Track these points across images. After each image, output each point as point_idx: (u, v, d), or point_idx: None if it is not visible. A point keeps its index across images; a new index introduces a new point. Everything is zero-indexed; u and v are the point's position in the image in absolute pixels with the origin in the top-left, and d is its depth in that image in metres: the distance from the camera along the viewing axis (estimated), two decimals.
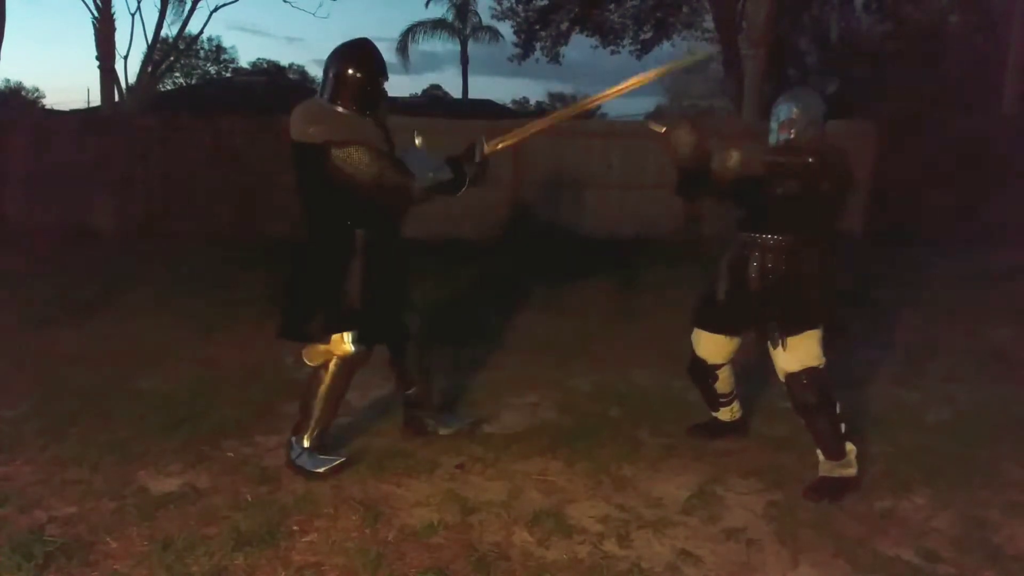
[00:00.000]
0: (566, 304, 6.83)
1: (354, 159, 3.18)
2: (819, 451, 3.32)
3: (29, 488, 3.14)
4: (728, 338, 3.64)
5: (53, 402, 4.11)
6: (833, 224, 3.46)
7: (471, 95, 28.38)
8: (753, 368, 5.06)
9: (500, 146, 3.43)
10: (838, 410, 3.29)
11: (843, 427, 3.29)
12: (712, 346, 3.66)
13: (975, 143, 10.31)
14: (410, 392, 3.84)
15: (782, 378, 3.36)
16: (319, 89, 3.45)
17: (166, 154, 11.07)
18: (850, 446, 3.30)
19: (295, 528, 2.87)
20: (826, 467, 3.30)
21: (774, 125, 3.41)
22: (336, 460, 3.39)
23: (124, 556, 2.67)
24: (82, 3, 13.53)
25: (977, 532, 2.95)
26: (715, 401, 3.84)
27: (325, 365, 3.36)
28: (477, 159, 3.39)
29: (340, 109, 3.31)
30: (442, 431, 3.79)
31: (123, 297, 6.76)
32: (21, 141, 10.86)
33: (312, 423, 3.39)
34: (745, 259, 3.43)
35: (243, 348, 5.31)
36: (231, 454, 3.54)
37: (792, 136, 3.34)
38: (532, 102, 42.22)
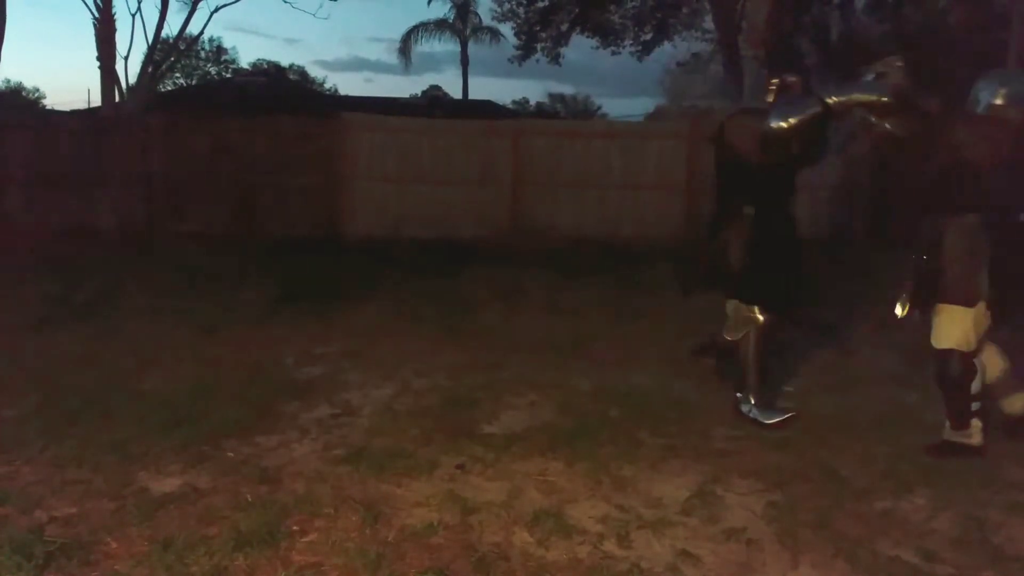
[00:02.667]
0: (566, 304, 6.84)
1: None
2: (947, 419, 3.63)
3: (29, 488, 3.14)
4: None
5: (53, 402, 4.11)
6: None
7: (471, 96, 28.41)
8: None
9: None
10: (973, 390, 3.58)
11: (975, 406, 3.58)
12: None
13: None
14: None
15: (933, 350, 3.64)
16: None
17: (166, 154, 11.07)
18: (976, 422, 3.59)
19: (295, 528, 2.87)
20: (949, 433, 3.63)
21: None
22: (787, 414, 3.97)
23: (124, 556, 2.67)
24: (82, 3, 13.57)
25: (977, 532, 2.95)
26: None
27: (746, 336, 4.01)
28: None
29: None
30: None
31: (123, 297, 6.76)
32: (22, 141, 10.87)
33: (752, 384, 4.02)
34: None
35: (243, 348, 5.31)
36: (231, 454, 3.54)
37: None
38: (532, 102, 42.27)
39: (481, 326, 6.03)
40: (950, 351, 3.58)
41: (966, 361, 3.57)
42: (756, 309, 4.00)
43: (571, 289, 7.45)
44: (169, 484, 3.21)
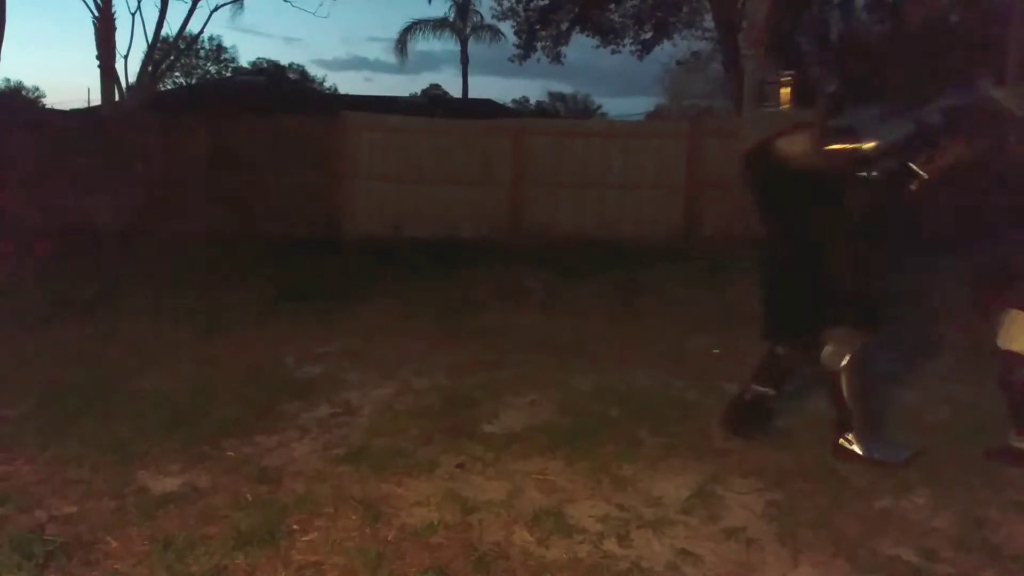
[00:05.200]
0: (566, 304, 6.84)
1: (822, 145, 3.35)
2: (1012, 425, 3.56)
3: (29, 488, 3.14)
4: None
5: (53, 402, 4.11)
6: None
7: (471, 95, 28.40)
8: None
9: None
10: None
11: None
12: None
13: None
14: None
15: (995, 353, 3.58)
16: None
17: (166, 154, 11.08)
18: None
19: (295, 528, 2.87)
20: (1014, 439, 3.55)
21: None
22: (910, 451, 3.53)
23: (124, 556, 2.67)
24: (82, 3, 13.56)
25: (977, 532, 2.94)
26: None
27: (845, 367, 3.52)
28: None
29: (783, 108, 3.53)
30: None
31: (123, 297, 6.76)
32: (21, 141, 10.86)
33: (859, 422, 3.53)
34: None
35: (243, 348, 5.31)
36: (231, 454, 3.54)
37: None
38: (532, 102, 42.29)
39: (481, 326, 6.03)
40: (1016, 355, 3.54)
41: None
42: (855, 335, 3.53)
43: (571, 289, 7.45)
44: (169, 484, 3.21)
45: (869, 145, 3.30)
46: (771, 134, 3.48)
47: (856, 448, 3.51)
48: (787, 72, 3.56)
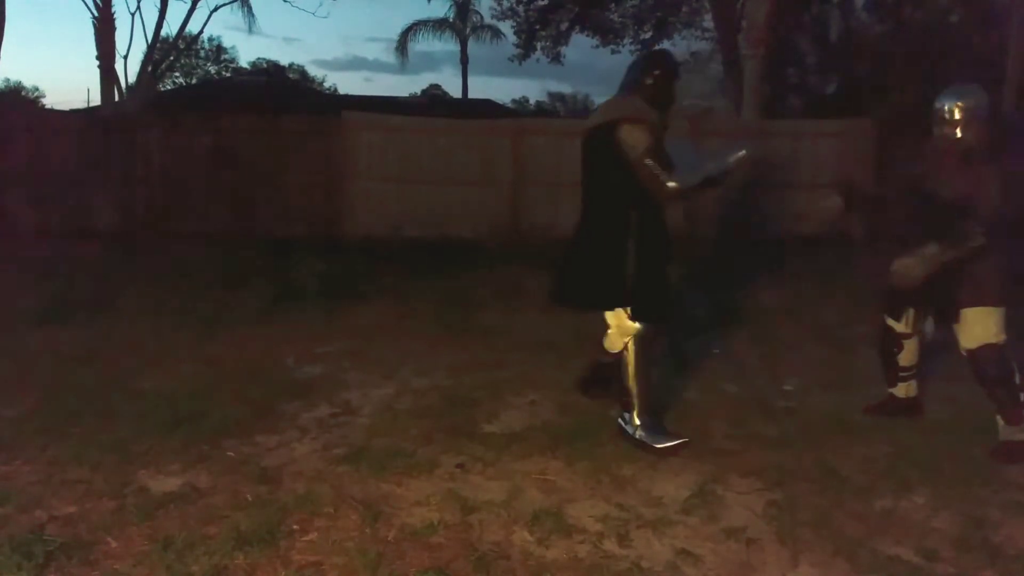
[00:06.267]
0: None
1: (635, 136, 3.50)
2: (998, 417, 3.65)
3: (29, 488, 3.14)
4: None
5: (53, 402, 4.11)
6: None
7: (470, 95, 28.39)
8: (752, 370, 5.08)
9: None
10: (1017, 380, 3.61)
11: (1023, 396, 3.61)
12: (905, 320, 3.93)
13: None
14: (606, 362, 4.01)
15: (964, 354, 3.69)
16: (621, 88, 3.76)
17: (166, 154, 11.07)
18: None
19: (295, 528, 2.87)
20: (1006, 432, 3.64)
21: (937, 120, 3.66)
22: (679, 440, 3.64)
23: (124, 556, 2.67)
24: (82, 3, 13.56)
25: (977, 531, 2.94)
26: (895, 375, 4.08)
27: (626, 347, 3.69)
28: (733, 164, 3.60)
29: (639, 103, 3.64)
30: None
31: (123, 297, 6.76)
32: (21, 141, 10.87)
33: (635, 400, 3.69)
34: None
35: (243, 348, 5.31)
36: (231, 454, 3.54)
37: (958, 135, 3.60)
38: (532, 101, 42.29)
39: (481, 326, 6.02)
40: (982, 348, 3.62)
41: (1001, 352, 3.62)
42: (639, 319, 3.66)
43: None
44: (169, 484, 3.21)
45: (671, 185, 3.49)
46: (618, 116, 3.59)
47: (629, 428, 3.69)
48: (655, 71, 3.68)
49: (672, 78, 3.72)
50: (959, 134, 3.61)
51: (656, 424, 3.73)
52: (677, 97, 3.75)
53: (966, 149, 3.60)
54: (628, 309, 3.66)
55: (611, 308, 3.73)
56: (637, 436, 3.65)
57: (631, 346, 3.68)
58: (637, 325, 3.66)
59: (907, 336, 3.98)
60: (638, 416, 3.68)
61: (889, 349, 4.04)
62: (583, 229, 3.78)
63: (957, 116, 3.60)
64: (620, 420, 3.75)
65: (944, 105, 3.64)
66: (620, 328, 3.72)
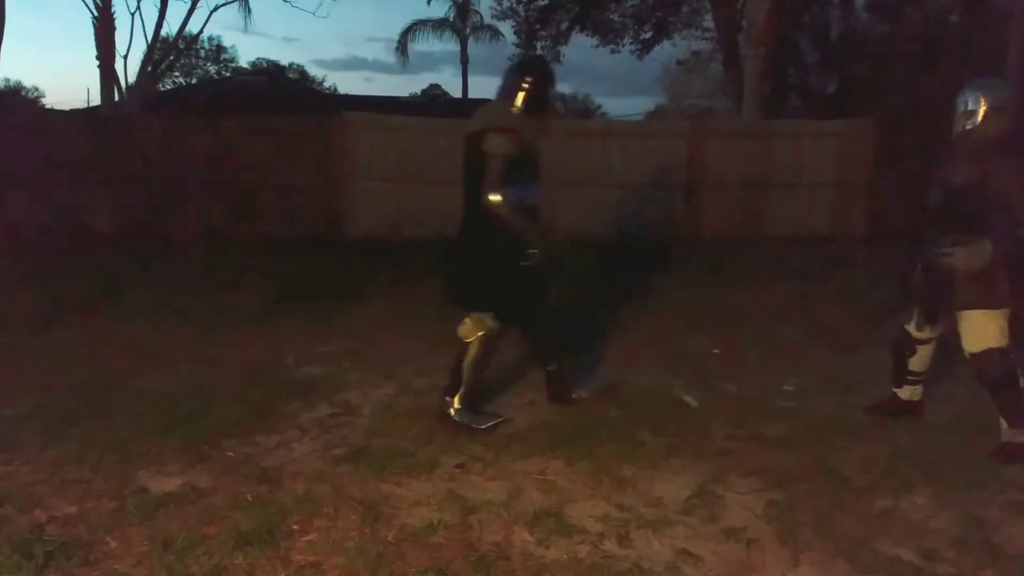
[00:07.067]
0: (566, 304, 6.82)
1: (495, 144, 3.66)
2: (1001, 419, 3.63)
3: (29, 488, 3.14)
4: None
5: (53, 402, 4.11)
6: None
7: (470, 95, 28.38)
8: (751, 370, 5.08)
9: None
10: (1022, 384, 3.60)
11: None
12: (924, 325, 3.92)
13: None
14: (551, 368, 4.25)
15: (967, 357, 3.68)
16: (499, 93, 3.94)
17: (166, 154, 11.06)
18: None
19: (295, 528, 2.87)
20: (1008, 433, 3.62)
21: (958, 115, 3.66)
22: (497, 419, 3.93)
23: (124, 556, 2.67)
24: (82, 2, 13.56)
25: (977, 532, 2.94)
26: (903, 377, 4.07)
27: (477, 339, 3.88)
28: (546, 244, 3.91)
29: (514, 111, 3.82)
30: (582, 393, 4.21)
31: (123, 297, 6.76)
32: (21, 141, 10.86)
33: (463, 386, 3.91)
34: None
35: (243, 348, 5.31)
36: (231, 454, 3.54)
37: (970, 128, 3.60)
38: None
39: None
40: (985, 352, 3.61)
41: (1005, 356, 3.61)
42: (490, 316, 3.89)
43: (571, 289, 7.44)
44: (169, 484, 3.21)
45: (493, 198, 3.65)
46: (488, 125, 3.73)
47: (452, 411, 3.90)
48: (528, 78, 3.81)
49: (545, 85, 3.86)
50: (981, 128, 3.60)
51: (474, 408, 3.99)
52: (550, 103, 3.94)
53: (987, 142, 3.58)
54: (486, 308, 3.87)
55: (481, 308, 3.89)
56: (460, 419, 3.87)
57: (479, 340, 3.88)
58: (491, 323, 3.87)
59: (923, 342, 3.96)
60: (459, 400, 3.91)
61: (903, 351, 4.03)
62: (460, 229, 3.92)
63: (980, 109, 3.59)
64: (444, 403, 3.95)
65: (967, 99, 3.64)
66: (476, 321, 3.89)
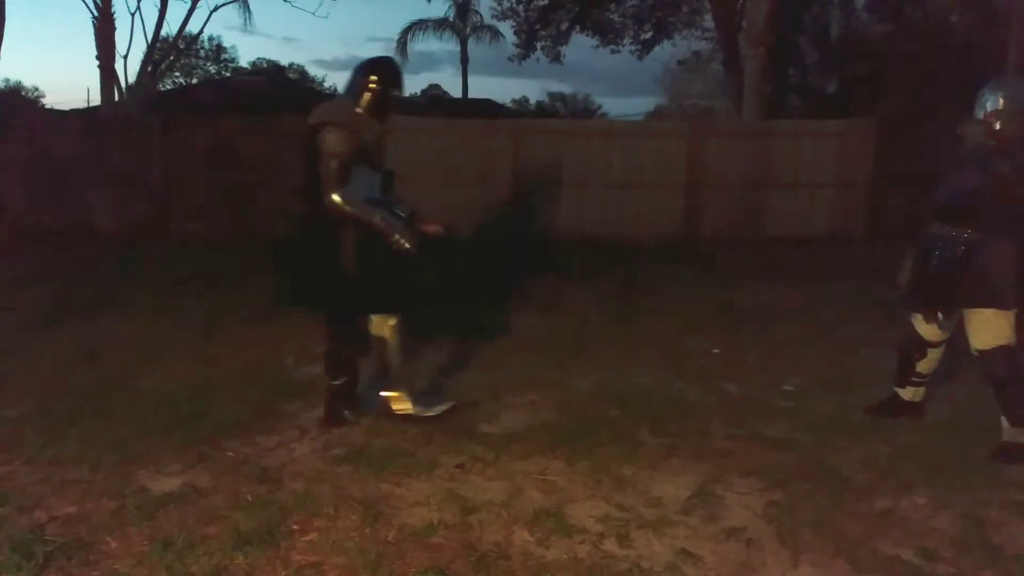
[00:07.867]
0: (566, 304, 6.83)
1: (331, 139, 3.61)
2: (1003, 417, 3.64)
3: (29, 488, 3.14)
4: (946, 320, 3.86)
5: (53, 402, 4.11)
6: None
7: (470, 95, 28.38)
8: (751, 370, 5.08)
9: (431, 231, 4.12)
10: None
11: None
12: (934, 326, 3.90)
13: None
14: (337, 383, 4.06)
15: (976, 355, 3.69)
16: (345, 90, 3.92)
17: (166, 154, 11.06)
18: None
19: (295, 528, 2.87)
20: (1009, 433, 3.62)
21: (979, 114, 3.65)
22: (447, 404, 4.02)
23: (124, 556, 2.67)
24: (82, 3, 13.56)
25: (977, 532, 2.94)
26: (907, 378, 4.07)
27: (388, 332, 3.93)
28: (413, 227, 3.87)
29: (358, 110, 3.77)
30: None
31: (123, 297, 6.76)
32: (21, 141, 10.86)
33: (396, 375, 3.98)
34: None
35: (243, 348, 5.31)
36: (231, 454, 3.54)
37: (998, 128, 3.57)
38: (532, 101, 42.28)
39: (480, 325, 6.01)
40: (993, 350, 3.62)
41: (1013, 354, 3.62)
42: (382, 313, 3.93)
43: (571, 289, 7.44)
44: (169, 484, 3.21)
45: (333, 197, 3.61)
46: (325, 120, 3.69)
47: (391, 399, 3.96)
48: (373, 78, 3.77)
49: (389, 86, 3.83)
50: (999, 126, 3.58)
51: (424, 397, 4.06)
52: (394, 105, 3.88)
53: (1010, 142, 3.57)
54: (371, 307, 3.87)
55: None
56: (414, 413, 3.92)
57: (392, 329, 3.93)
58: (392, 321, 3.91)
59: (933, 345, 3.95)
60: (402, 389, 3.97)
61: (911, 352, 4.02)
62: (302, 228, 3.86)
63: (1000, 108, 3.58)
64: (385, 396, 3.98)
65: (987, 97, 3.63)
66: (380, 317, 3.93)
